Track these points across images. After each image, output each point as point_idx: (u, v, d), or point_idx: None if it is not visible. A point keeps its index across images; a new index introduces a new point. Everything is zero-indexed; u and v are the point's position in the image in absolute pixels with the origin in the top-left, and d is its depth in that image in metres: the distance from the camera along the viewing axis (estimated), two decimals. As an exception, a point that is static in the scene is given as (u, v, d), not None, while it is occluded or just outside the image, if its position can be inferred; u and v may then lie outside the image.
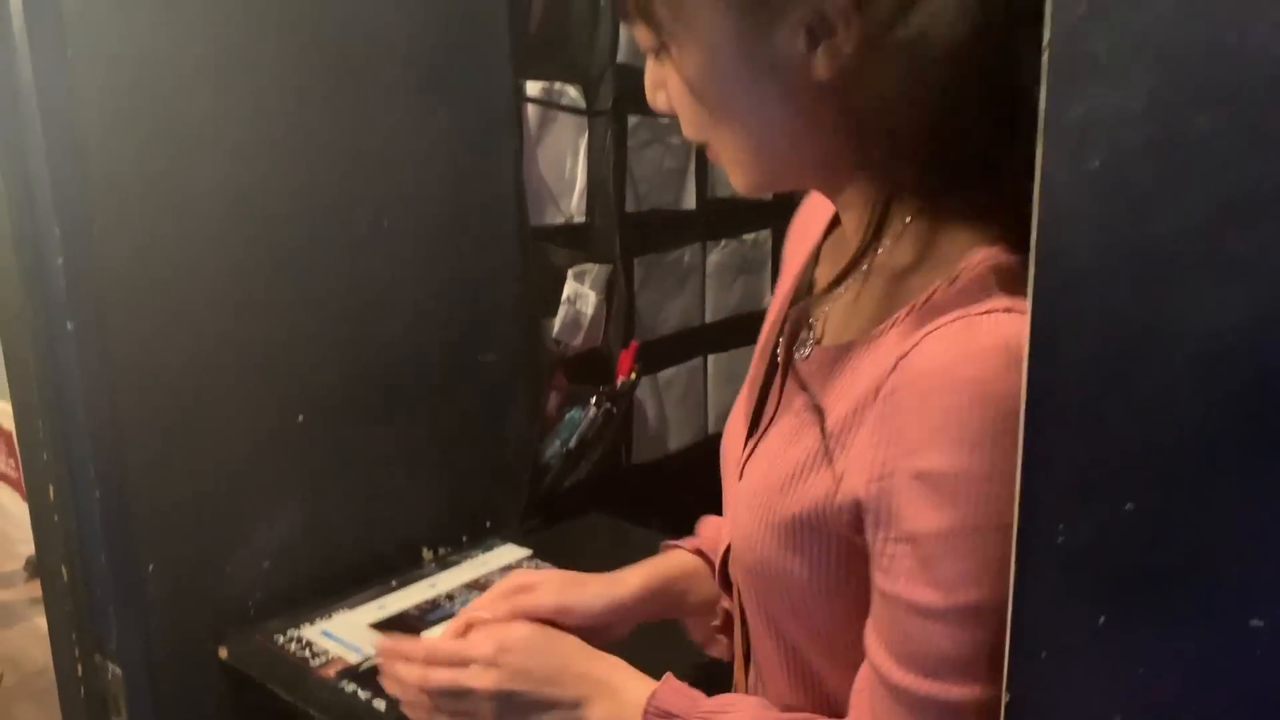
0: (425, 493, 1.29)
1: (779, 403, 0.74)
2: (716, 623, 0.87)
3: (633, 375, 1.44)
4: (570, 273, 1.40)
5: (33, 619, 3.20)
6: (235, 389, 1.07)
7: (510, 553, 1.28)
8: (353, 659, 1.03)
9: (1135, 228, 0.44)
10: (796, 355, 0.73)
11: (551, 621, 0.81)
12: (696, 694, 0.73)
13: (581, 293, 1.40)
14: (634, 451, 1.54)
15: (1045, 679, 0.50)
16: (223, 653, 1.07)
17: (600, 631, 0.81)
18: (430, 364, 1.26)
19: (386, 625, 1.10)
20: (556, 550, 1.28)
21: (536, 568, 1.24)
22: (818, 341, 0.71)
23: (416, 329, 1.23)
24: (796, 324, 0.74)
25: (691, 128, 0.68)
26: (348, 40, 1.11)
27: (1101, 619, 0.47)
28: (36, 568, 3.43)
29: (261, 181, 1.06)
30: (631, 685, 0.74)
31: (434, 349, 1.26)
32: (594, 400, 1.41)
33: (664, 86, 0.68)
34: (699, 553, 0.88)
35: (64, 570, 1.02)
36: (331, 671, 1.01)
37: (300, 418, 1.13)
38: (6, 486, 2.16)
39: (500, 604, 0.83)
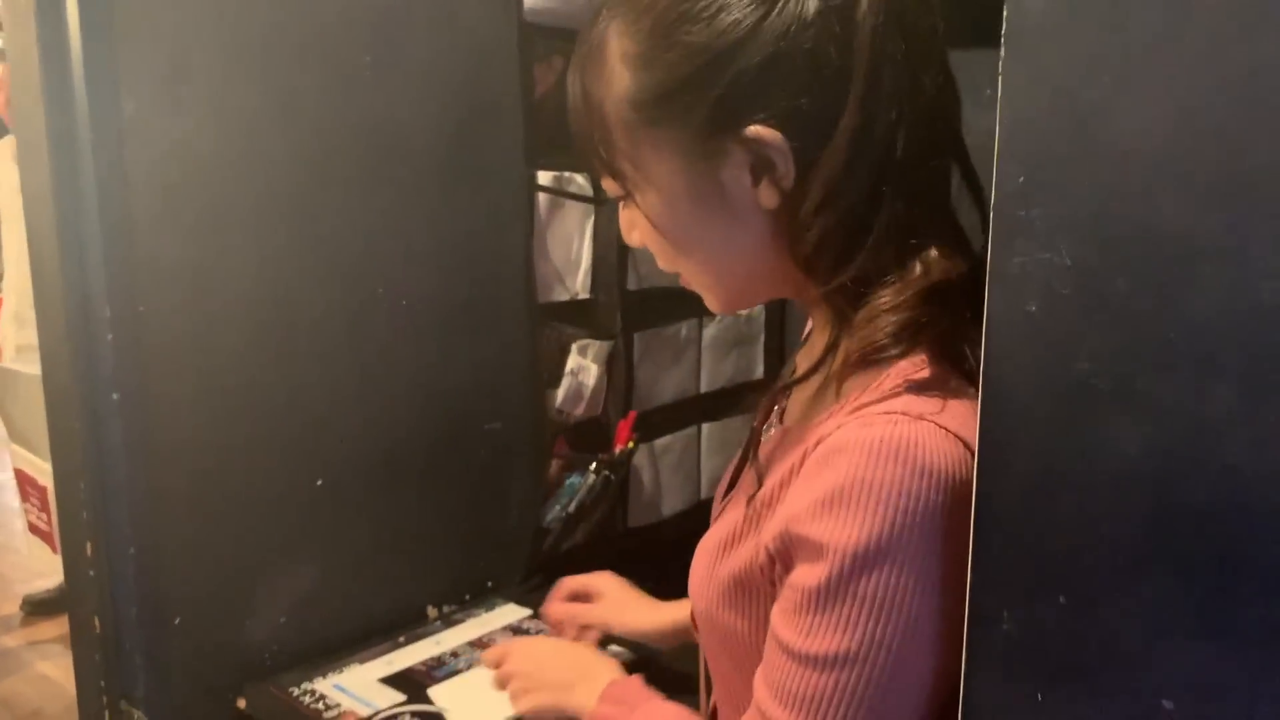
0: (431, 553, 1.36)
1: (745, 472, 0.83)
2: None
3: (630, 444, 1.52)
4: (574, 346, 1.48)
5: (32, 664, 3.23)
6: (260, 454, 1.15)
7: (512, 612, 1.35)
8: (363, 712, 1.09)
9: (1063, 365, 0.52)
10: (765, 432, 0.83)
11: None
12: (651, 694, 0.89)
13: (584, 365, 1.48)
14: (630, 516, 1.61)
15: None
16: (241, 703, 1.14)
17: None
18: (441, 432, 1.33)
19: (394, 680, 1.16)
20: (541, 606, 1.35)
21: (537, 628, 1.31)
22: (780, 422, 0.81)
23: (429, 399, 1.31)
24: (771, 404, 0.84)
25: (663, 261, 0.77)
26: (376, 134, 1.20)
27: (1039, 696, 0.55)
28: (34, 609, 3.43)
29: (292, 266, 1.15)
30: (606, 674, 0.94)
31: (445, 418, 1.34)
32: (593, 467, 1.48)
33: (636, 226, 0.77)
34: None
35: (96, 621, 1.09)
36: None
37: (319, 481, 1.21)
38: (35, 537, 2.23)
39: (558, 605, 1.20)
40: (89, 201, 0.99)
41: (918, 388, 0.68)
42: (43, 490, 2.07)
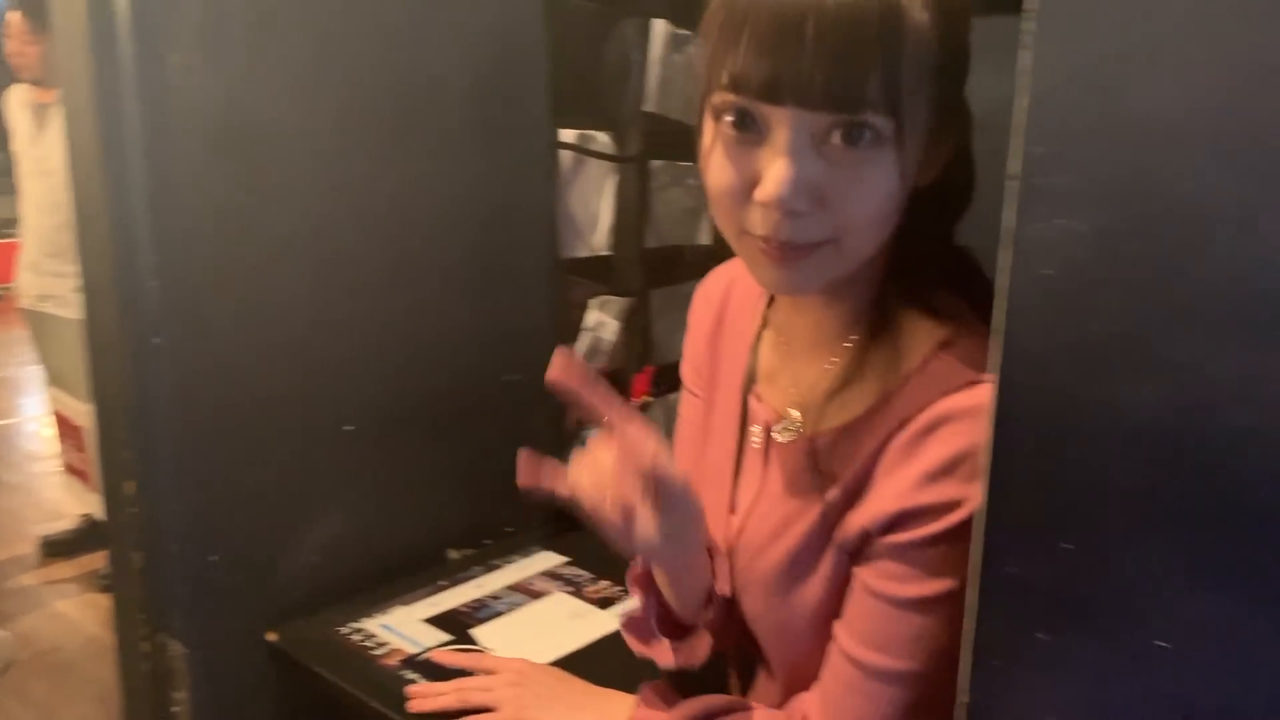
0: (454, 498, 1.40)
1: (761, 484, 0.82)
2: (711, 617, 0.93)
3: (647, 397, 1.56)
4: (593, 302, 1.52)
5: (50, 603, 3.29)
6: (294, 400, 1.19)
7: (548, 559, 1.39)
8: (411, 650, 1.13)
9: (1078, 325, 0.55)
10: (779, 440, 0.81)
11: None
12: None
13: (603, 321, 1.52)
14: (644, 467, 1.65)
15: (998, 684, 0.60)
16: (271, 636, 1.18)
17: None
18: (464, 382, 1.38)
19: (438, 621, 1.21)
20: (578, 553, 1.40)
21: (573, 574, 1.35)
22: (812, 427, 0.77)
23: (454, 351, 1.36)
24: (769, 414, 0.82)
25: (853, 219, 0.67)
26: (408, 93, 1.23)
27: (1042, 635, 0.58)
28: (51, 549, 3.50)
29: (328, 218, 1.18)
30: (619, 696, 0.91)
31: (469, 369, 1.38)
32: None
33: (814, 185, 0.66)
34: None
35: (137, 557, 1.13)
36: (394, 661, 1.11)
37: (349, 427, 1.25)
38: (73, 478, 2.29)
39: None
40: (134, 151, 1.02)
41: (961, 360, 0.70)
42: (79, 431, 2.13)
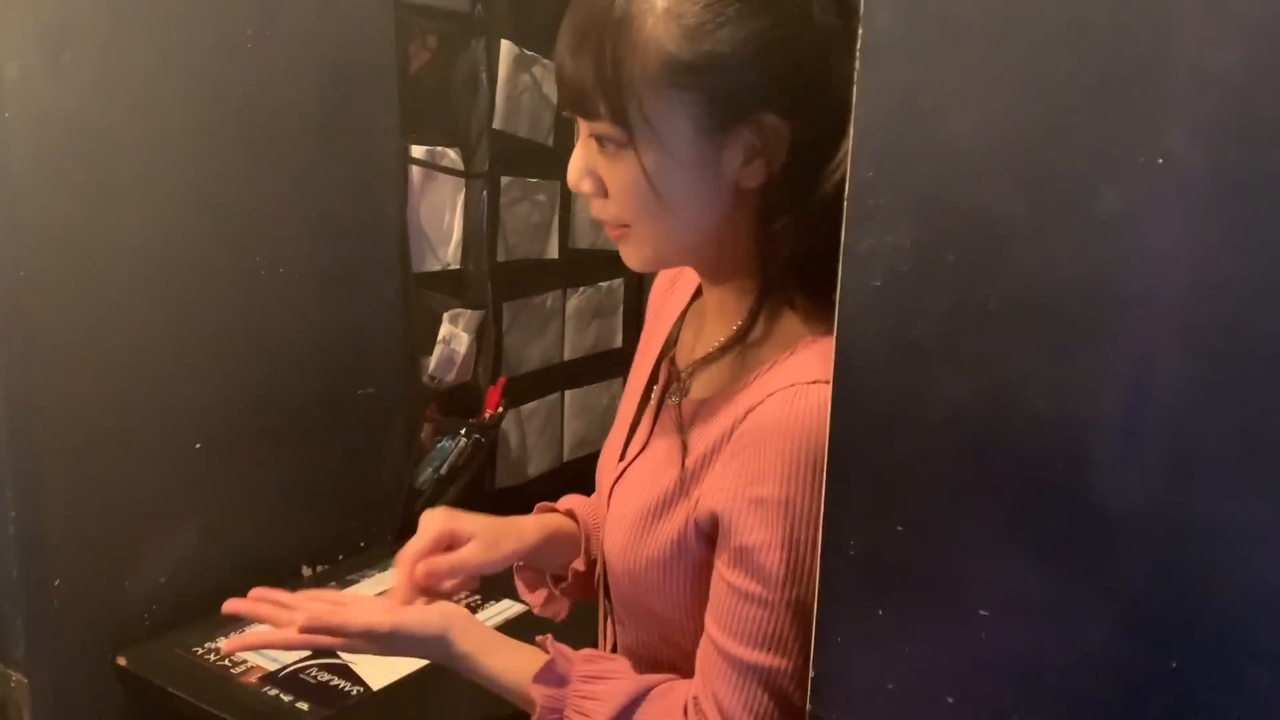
0: (307, 514, 1.39)
1: (648, 439, 0.88)
2: (565, 584, 1.00)
3: (499, 409, 1.59)
4: (445, 315, 1.54)
5: None
6: (140, 418, 1.16)
7: (404, 571, 1.39)
8: (272, 667, 1.12)
9: (902, 329, 0.61)
10: (668, 402, 0.87)
11: None
12: (570, 663, 0.84)
13: (455, 334, 1.54)
14: (498, 477, 1.68)
15: (841, 657, 0.65)
16: (121, 661, 1.15)
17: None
18: (317, 397, 1.37)
19: None
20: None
21: None
22: (685, 394, 0.85)
23: (306, 365, 1.35)
24: (670, 377, 0.88)
25: (621, 210, 0.76)
26: (259, 107, 1.23)
27: (880, 611, 0.63)
28: None
29: (174, 232, 1.16)
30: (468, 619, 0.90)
31: (321, 383, 1.37)
32: (464, 431, 1.54)
33: (593, 173, 0.76)
34: (570, 515, 1.02)
35: (-29, 586, 1.08)
36: (254, 678, 1.10)
37: (198, 445, 1.23)
38: None
39: (433, 561, 0.97)
40: (-33, 164, 0.98)
41: (828, 356, 0.72)
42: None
